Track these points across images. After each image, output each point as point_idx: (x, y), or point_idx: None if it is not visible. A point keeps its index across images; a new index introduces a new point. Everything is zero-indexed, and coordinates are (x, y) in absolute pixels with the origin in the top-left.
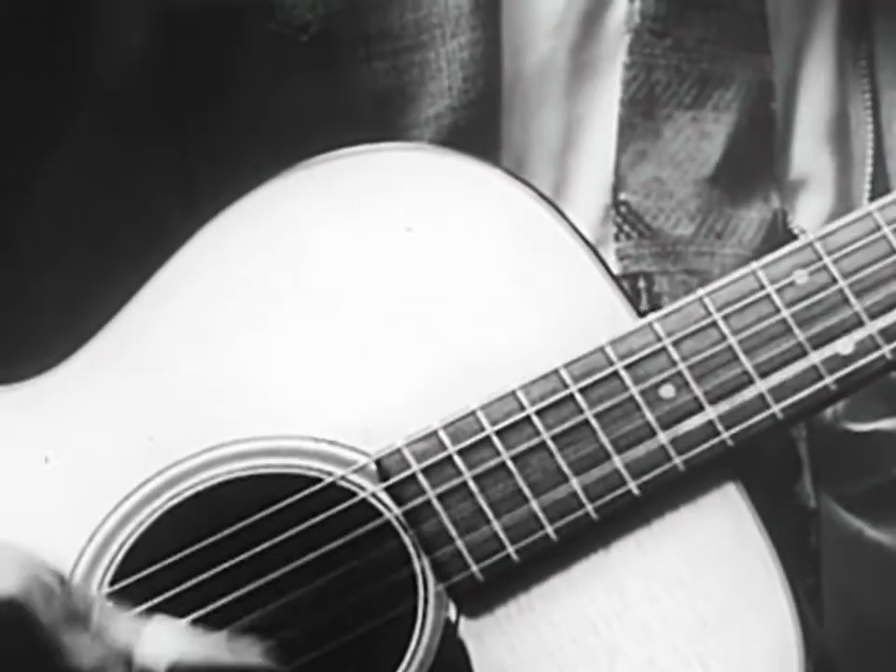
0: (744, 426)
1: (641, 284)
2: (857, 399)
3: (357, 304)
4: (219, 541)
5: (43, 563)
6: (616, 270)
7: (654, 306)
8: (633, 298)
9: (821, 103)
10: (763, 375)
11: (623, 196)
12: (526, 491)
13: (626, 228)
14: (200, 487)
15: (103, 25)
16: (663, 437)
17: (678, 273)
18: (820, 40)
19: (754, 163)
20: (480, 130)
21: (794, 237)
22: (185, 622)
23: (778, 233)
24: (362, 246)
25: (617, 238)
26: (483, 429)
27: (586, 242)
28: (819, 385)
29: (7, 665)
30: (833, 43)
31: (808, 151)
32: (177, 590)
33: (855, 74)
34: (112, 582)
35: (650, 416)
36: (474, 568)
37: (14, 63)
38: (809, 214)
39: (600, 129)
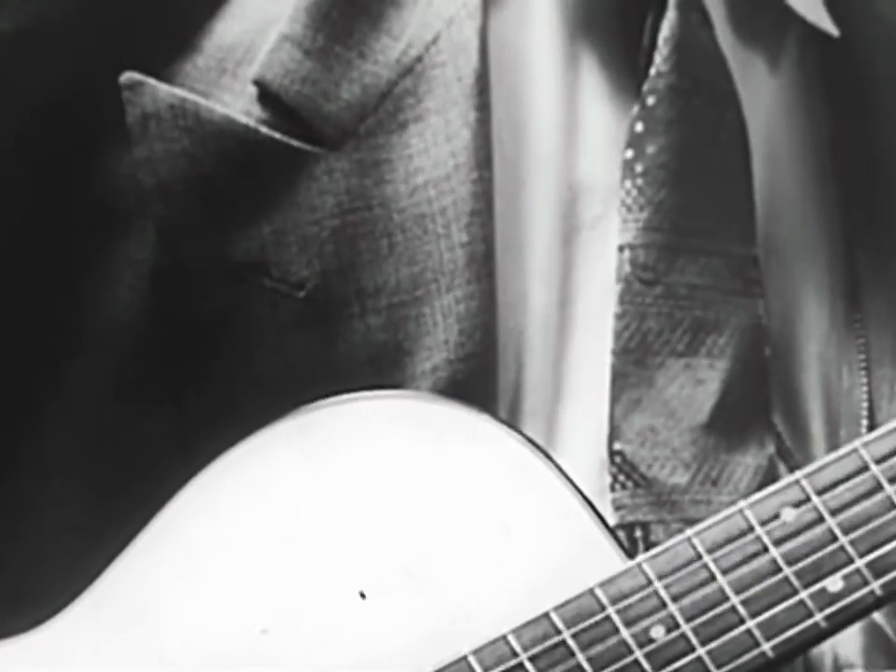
0: (734, 665)
1: (638, 533)
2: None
3: (346, 549)
4: None
5: None
6: (612, 520)
7: None
8: (626, 545)
9: (812, 360)
10: (753, 614)
11: (617, 446)
12: None
13: (621, 478)
14: None
15: (96, 283)
16: None
17: (674, 521)
18: (812, 299)
19: (749, 409)
20: (476, 382)
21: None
22: None
23: (774, 478)
24: (347, 493)
25: (613, 488)
26: None
27: (575, 486)
28: (808, 622)
29: None
30: (825, 302)
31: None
32: None
33: (848, 337)
34: None
35: (641, 658)
36: None
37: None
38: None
39: (591, 378)
